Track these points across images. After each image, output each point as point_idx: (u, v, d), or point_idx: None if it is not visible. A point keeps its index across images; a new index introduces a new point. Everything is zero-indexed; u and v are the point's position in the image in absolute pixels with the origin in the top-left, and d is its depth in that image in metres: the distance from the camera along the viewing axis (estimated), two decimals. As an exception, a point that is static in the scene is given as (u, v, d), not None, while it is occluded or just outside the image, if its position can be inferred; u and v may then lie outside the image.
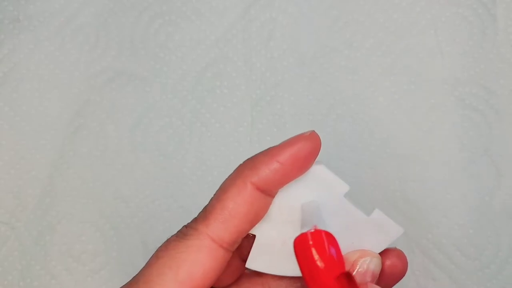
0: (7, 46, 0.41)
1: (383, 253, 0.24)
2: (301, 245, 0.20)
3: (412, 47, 0.40)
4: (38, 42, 0.41)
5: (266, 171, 0.22)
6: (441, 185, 0.38)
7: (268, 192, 0.23)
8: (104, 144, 0.40)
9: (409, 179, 0.38)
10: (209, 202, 0.23)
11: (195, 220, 0.23)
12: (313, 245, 0.20)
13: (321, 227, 0.20)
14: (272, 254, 0.24)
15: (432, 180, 0.38)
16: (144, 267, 0.22)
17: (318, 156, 0.23)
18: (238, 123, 0.40)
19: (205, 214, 0.22)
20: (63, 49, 0.41)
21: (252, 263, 0.24)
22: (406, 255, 0.24)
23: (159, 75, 0.41)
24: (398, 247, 0.24)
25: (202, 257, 0.22)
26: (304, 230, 0.20)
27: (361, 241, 0.24)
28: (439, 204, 0.38)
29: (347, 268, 0.23)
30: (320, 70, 0.40)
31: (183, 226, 0.23)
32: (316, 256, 0.20)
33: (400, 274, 0.24)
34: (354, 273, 0.23)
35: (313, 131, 0.23)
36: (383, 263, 0.23)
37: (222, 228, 0.22)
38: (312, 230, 0.20)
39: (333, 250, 0.20)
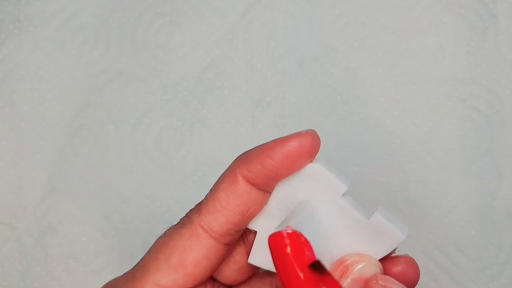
0: (7, 46, 0.41)
1: (390, 260, 0.23)
2: (276, 243, 0.20)
3: (413, 47, 0.40)
4: (38, 42, 0.41)
5: (258, 166, 0.22)
6: (442, 185, 0.38)
7: (260, 186, 0.23)
8: (105, 145, 0.40)
9: (410, 179, 0.38)
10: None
11: (191, 210, 0.24)
12: (289, 244, 0.20)
13: (302, 227, 0.20)
14: None
15: (433, 180, 0.38)
16: (146, 253, 0.24)
17: (321, 156, 0.23)
18: (239, 123, 0.40)
19: (199, 205, 0.23)
20: (63, 50, 0.41)
21: (254, 258, 0.24)
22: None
23: (160, 76, 0.40)
24: (399, 249, 0.23)
25: (191, 245, 0.23)
26: (279, 229, 0.20)
27: (359, 245, 0.23)
28: (440, 205, 0.38)
29: (341, 270, 0.22)
30: (321, 71, 0.40)
31: (182, 217, 0.24)
32: (291, 257, 0.20)
33: (410, 283, 0.23)
34: (347, 277, 0.22)
35: (312, 130, 0.22)
36: (388, 270, 0.23)
37: (212, 218, 0.23)
38: (288, 230, 0.20)
39: (307, 252, 0.20)
